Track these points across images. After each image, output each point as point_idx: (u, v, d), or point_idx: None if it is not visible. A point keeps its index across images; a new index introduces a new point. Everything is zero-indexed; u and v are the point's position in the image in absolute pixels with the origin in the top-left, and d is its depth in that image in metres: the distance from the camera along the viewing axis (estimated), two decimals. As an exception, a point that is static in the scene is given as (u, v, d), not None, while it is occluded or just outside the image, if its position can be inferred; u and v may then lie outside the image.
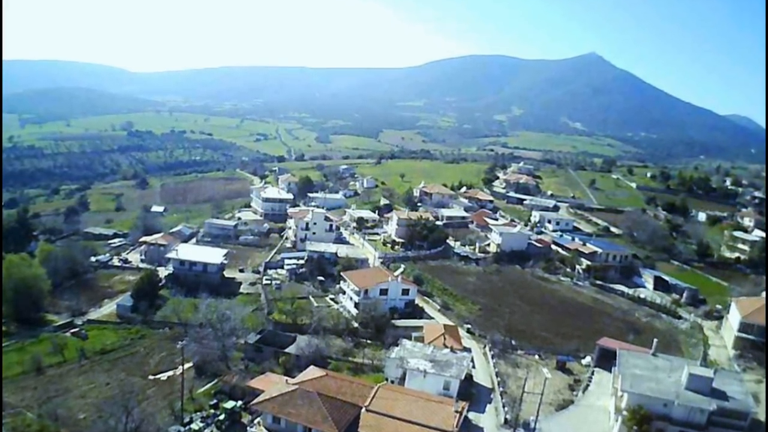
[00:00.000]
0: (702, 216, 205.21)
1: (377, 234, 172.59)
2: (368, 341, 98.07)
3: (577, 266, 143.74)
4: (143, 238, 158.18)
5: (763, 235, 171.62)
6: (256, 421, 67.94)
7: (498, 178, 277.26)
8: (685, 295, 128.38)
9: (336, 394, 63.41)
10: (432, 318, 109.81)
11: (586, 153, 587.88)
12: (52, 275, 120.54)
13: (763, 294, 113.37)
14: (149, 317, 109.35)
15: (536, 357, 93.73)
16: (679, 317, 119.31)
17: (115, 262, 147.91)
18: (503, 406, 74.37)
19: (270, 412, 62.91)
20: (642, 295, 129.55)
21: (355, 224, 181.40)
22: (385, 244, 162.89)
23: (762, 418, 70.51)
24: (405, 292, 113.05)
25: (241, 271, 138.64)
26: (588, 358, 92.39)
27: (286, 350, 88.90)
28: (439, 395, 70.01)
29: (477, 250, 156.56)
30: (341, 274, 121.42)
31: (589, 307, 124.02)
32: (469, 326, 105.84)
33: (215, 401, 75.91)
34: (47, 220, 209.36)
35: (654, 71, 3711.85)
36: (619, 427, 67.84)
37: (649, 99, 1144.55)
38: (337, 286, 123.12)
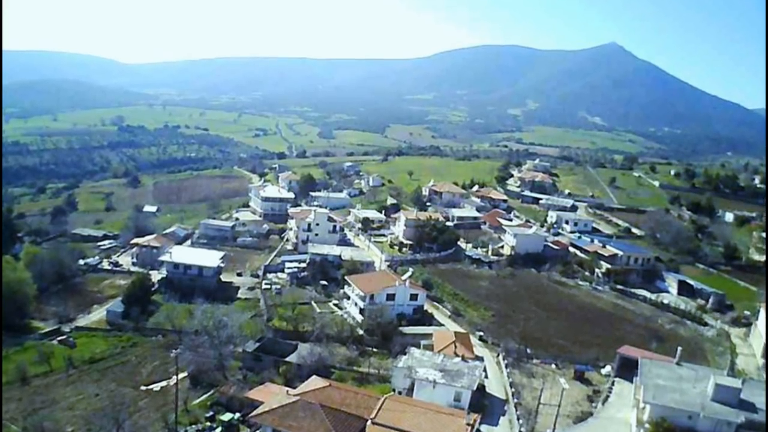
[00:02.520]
0: (729, 216, 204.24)
1: (384, 235, 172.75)
2: (374, 349, 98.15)
3: (597, 270, 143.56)
4: (135, 240, 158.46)
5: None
6: (254, 434, 68.12)
7: (512, 176, 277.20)
8: (711, 300, 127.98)
9: (340, 405, 63.38)
10: (442, 325, 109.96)
11: (605, 149, 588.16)
12: (38, 279, 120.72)
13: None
14: (141, 324, 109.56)
15: (553, 366, 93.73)
16: (705, 324, 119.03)
17: (105, 265, 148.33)
18: (518, 419, 74.26)
19: (270, 424, 62.91)
20: (665, 301, 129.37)
21: (360, 225, 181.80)
22: (392, 246, 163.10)
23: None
24: (413, 297, 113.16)
25: (239, 274, 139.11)
26: (608, 368, 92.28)
27: (287, 359, 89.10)
28: (449, 407, 69.86)
29: (490, 252, 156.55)
30: (345, 278, 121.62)
31: (609, 313, 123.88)
32: (481, 333, 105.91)
33: (211, 413, 76.09)
34: (33, 221, 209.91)
35: (678, 62, 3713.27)
36: (642, 441, 67.67)
37: (672, 92, 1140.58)
38: (341, 290, 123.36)
